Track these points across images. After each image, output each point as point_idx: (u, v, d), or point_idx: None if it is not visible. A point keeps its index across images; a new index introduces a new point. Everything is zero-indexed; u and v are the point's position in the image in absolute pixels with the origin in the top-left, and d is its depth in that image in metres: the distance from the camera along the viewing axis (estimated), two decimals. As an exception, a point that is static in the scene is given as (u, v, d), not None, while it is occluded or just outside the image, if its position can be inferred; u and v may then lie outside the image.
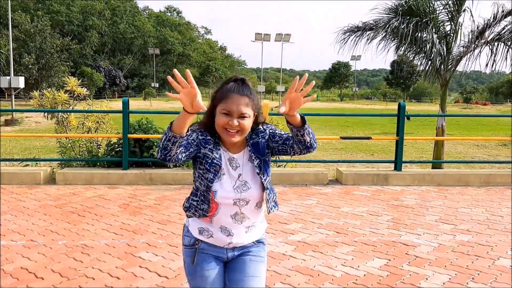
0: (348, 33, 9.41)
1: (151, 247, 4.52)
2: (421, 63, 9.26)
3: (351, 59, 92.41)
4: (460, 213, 5.94)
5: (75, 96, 8.56)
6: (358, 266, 4.07)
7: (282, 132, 2.14)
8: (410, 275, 3.91)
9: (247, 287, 2.12)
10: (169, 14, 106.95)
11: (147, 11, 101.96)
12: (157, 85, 77.14)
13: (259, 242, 2.24)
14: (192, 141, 2.04)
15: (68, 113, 8.60)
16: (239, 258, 2.19)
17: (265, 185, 2.11)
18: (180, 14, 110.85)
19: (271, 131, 2.15)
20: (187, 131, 2.02)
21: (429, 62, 9.14)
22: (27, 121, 24.53)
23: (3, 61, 39.91)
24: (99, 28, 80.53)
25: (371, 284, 3.72)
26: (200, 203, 2.10)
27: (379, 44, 9.19)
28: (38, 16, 49.73)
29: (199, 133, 2.09)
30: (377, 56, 10.94)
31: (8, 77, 21.96)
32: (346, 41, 9.45)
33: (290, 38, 53.12)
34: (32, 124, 23.41)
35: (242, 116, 1.99)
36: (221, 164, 2.06)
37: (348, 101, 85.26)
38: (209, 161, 2.05)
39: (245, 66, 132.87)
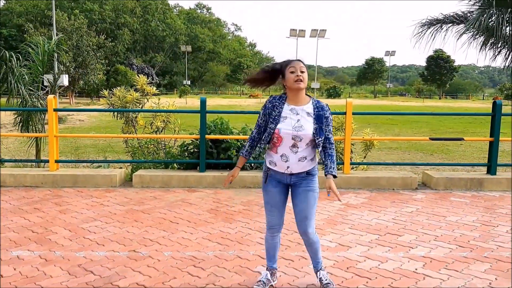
0: (426, 26, 8.88)
1: (265, 260, 4.16)
2: (506, 58, 8.63)
3: (385, 55, 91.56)
4: None
5: (144, 94, 8.30)
6: (509, 288, 3.63)
7: (329, 130, 3.27)
8: None
9: (303, 207, 3.33)
10: (199, 11, 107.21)
11: (177, 8, 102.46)
12: (188, 82, 77.37)
13: (309, 173, 3.29)
14: (263, 121, 3.29)
15: (137, 113, 8.35)
16: (298, 189, 3.31)
17: (317, 142, 3.21)
18: (210, 11, 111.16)
19: (329, 119, 3.27)
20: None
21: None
22: (71, 119, 24.67)
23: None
24: (131, 26, 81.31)
25: (536, 311, 3.28)
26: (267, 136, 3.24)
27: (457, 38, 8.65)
28: (75, 14, 50.33)
29: (268, 102, 3.28)
30: (457, 50, 10.36)
31: (65, 75, 22.09)
32: (423, 35, 8.93)
33: (325, 33, 52.35)
34: (76, 122, 23.54)
35: (302, 71, 3.17)
36: (279, 116, 3.19)
37: (382, 97, 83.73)
38: (272, 118, 3.22)
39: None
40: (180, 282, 3.67)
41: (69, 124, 22.73)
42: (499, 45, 8.25)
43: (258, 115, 3.35)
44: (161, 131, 8.36)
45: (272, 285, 3.58)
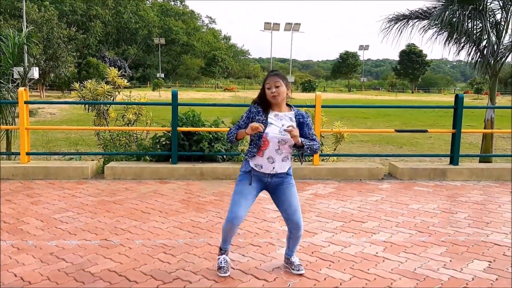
0: (393, 21, 9.17)
1: (234, 246, 4.35)
2: (469, 53, 8.98)
3: (359, 49, 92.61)
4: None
5: (116, 87, 8.36)
6: (461, 269, 3.89)
7: (312, 133, 3.56)
8: (520, 278, 3.73)
9: (291, 200, 3.59)
10: (172, 3, 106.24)
11: (150, 0, 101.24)
12: (162, 75, 76.81)
13: (288, 174, 3.60)
14: (245, 123, 3.55)
15: (109, 105, 8.41)
16: (279, 187, 3.58)
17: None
18: (183, 3, 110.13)
19: (310, 125, 3.56)
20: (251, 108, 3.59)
21: (478, 52, 8.91)
22: (41, 112, 24.35)
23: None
24: (103, 18, 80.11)
25: (484, 288, 3.54)
26: (253, 148, 3.52)
27: (424, 33, 8.96)
28: (45, 6, 49.30)
29: (253, 108, 3.57)
30: (424, 45, 10.74)
31: (35, 68, 21.69)
32: (390, 30, 9.21)
33: (299, 27, 52.65)
34: (47, 115, 23.24)
35: (276, 86, 3.44)
36: (266, 122, 3.46)
37: (356, 91, 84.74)
38: (259, 122, 3.45)
39: (249, 56, 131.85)
40: (151, 268, 3.82)
41: (39, 117, 22.43)
42: (462, 41, 8.61)
43: (241, 117, 3.61)
44: (133, 124, 8.44)
45: (231, 265, 3.80)
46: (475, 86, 72.05)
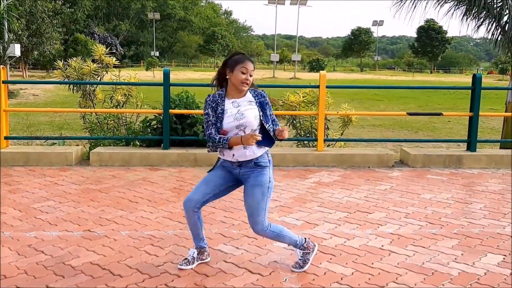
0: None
1: (227, 238, 4.39)
2: (488, 30, 8.93)
3: (372, 25, 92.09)
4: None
5: (103, 66, 8.35)
6: (473, 263, 3.92)
7: (270, 114, 3.56)
8: (537, 273, 3.76)
9: (250, 202, 3.56)
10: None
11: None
12: (157, 53, 76.60)
13: (258, 165, 3.54)
14: (217, 118, 3.45)
15: (96, 86, 8.41)
16: (247, 181, 3.55)
17: (267, 128, 3.49)
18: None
19: (267, 103, 3.56)
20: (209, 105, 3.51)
21: (499, 29, 8.86)
22: (23, 93, 24.39)
23: None
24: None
25: (497, 284, 3.56)
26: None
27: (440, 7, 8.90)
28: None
29: (210, 102, 3.49)
30: (440, 20, 10.66)
31: (17, 44, 21.60)
32: (403, 4, 9.16)
33: (307, 1, 52.31)
34: (29, 97, 23.29)
35: (251, 75, 3.45)
36: (223, 111, 3.45)
37: (369, 71, 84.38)
38: (216, 116, 3.46)
39: (252, 33, 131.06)
40: (137, 261, 3.86)
41: (21, 99, 22.49)
42: (481, 15, 8.54)
43: (207, 116, 3.49)
44: (122, 106, 8.44)
45: (205, 262, 3.81)
46: (500, 66, 71.56)
